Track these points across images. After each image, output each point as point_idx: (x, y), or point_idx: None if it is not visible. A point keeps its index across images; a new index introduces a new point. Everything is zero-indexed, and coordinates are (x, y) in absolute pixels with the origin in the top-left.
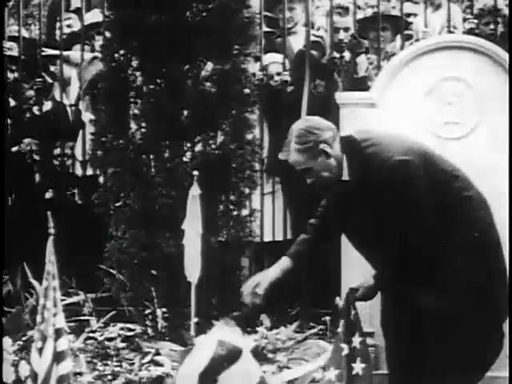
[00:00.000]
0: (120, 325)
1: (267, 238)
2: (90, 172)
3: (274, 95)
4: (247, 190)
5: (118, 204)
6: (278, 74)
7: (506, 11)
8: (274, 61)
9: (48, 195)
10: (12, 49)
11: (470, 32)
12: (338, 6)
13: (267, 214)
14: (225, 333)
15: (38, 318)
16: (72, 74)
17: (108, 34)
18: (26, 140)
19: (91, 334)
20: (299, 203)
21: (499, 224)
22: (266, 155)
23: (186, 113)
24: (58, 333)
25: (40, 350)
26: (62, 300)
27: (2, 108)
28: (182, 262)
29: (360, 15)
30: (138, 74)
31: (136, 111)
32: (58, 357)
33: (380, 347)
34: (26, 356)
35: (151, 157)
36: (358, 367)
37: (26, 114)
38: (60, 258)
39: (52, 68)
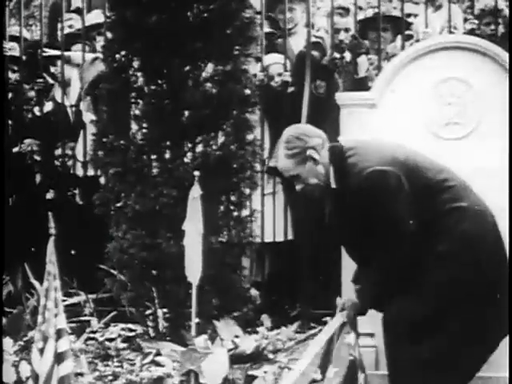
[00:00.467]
0: (121, 325)
1: (268, 238)
2: (90, 172)
3: (275, 96)
4: (248, 191)
5: (118, 204)
6: (279, 74)
7: (507, 12)
8: (274, 61)
9: (49, 196)
10: (13, 49)
11: (470, 32)
12: (339, 6)
13: (268, 214)
14: None
15: (39, 319)
16: (73, 74)
17: (109, 35)
18: (27, 141)
19: (92, 335)
20: (300, 204)
21: (500, 230)
22: (267, 156)
23: (186, 113)
24: (59, 333)
25: (41, 351)
26: (63, 300)
27: (2, 108)
28: (183, 263)
29: (360, 16)
30: (139, 74)
31: (137, 112)
32: (59, 357)
33: (380, 348)
34: (27, 356)
35: (152, 157)
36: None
37: (27, 115)
38: (61, 258)
39: (53, 69)
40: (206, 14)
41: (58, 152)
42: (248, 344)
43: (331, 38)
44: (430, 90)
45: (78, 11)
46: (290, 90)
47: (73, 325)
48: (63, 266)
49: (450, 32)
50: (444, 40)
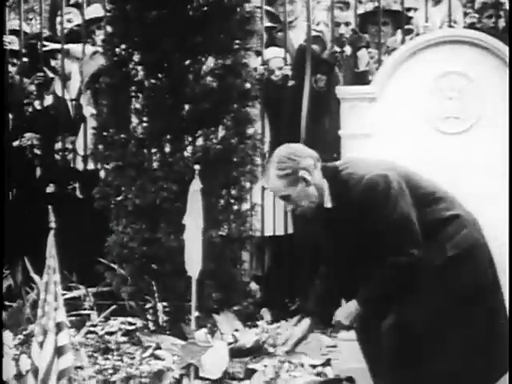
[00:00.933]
0: (121, 319)
1: (268, 232)
2: (91, 166)
3: (275, 90)
4: (248, 184)
5: (118, 198)
6: (279, 68)
7: (507, 5)
8: (274, 55)
9: (49, 189)
10: (13, 43)
11: (470, 26)
12: (339, 0)
13: (268, 208)
14: None
15: (39, 313)
16: (73, 68)
17: (109, 29)
18: (27, 134)
19: (92, 328)
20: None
21: (499, 224)
22: (267, 149)
23: (187, 107)
24: (59, 327)
25: (41, 344)
26: (63, 294)
27: (2, 102)
28: (183, 257)
29: (361, 10)
30: (139, 68)
31: (137, 105)
32: (59, 351)
33: None
34: (27, 350)
35: (152, 151)
36: None
37: (27, 109)
38: (61, 252)
39: (53, 62)
40: (205, 8)
41: (59, 146)
42: (248, 338)
43: (331, 31)
44: (430, 84)
45: (78, 5)
46: (291, 83)
47: (73, 318)
48: (63, 259)
49: (450, 26)
50: (444, 34)
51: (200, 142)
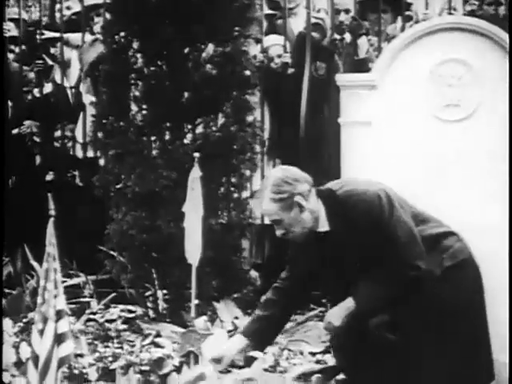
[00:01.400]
0: (121, 307)
1: (268, 220)
2: (90, 154)
3: (275, 77)
4: (248, 172)
5: (118, 186)
6: (279, 56)
7: None
8: (274, 43)
9: (48, 177)
10: (12, 30)
11: (470, 13)
12: None
13: None
14: None
15: (39, 300)
16: (72, 55)
17: (108, 16)
18: (27, 122)
19: (92, 316)
20: None
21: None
22: (267, 137)
23: (186, 95)
24: (59, 314)
25: (41, 332)
26: (63, 282)
27: (2, 90)
28: (183, 244)
29: None
30: (138, 55)
31: (137, 93)
32: (59, 338)
33: None
34: (27, 338)
35: (152, 139)
36: None
37: (27, 96)
38: (60, 239)
39: (52, 50)
40: None
41: (58, 134)
42: None
43: (331, 19)
44: (430, 71)
45: None
46: (290, 71)
47: (73, 306)
48: (63, 247)
49: (450, 13)
50: (444, 21)
51: (200, 129)
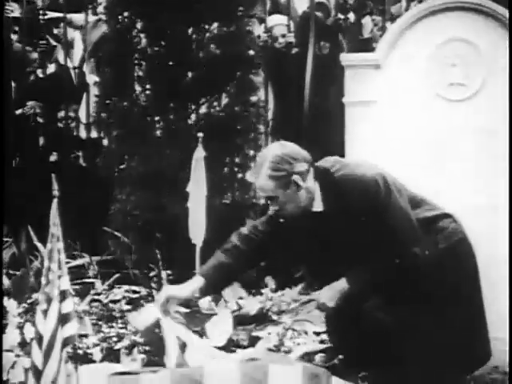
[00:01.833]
0: (125, 287)
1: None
2: (94, 134)
3: (279, 57)
4: (252, 152)
5: (122, 166)
6: (283, 35)
7: None
8: (278, 23)
9: (52, 158)
10: (15, 10)
11: None
12: None
13: None
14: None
15: (43, 281)
16: (76, 36)
17: None
18: (30, 103)
19: (96, 297)
20: None
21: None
22: (271, 117)
23: (190, 75)
24: (63, 295)
25: (45, 312)
26: (67, 263)
27: (3, 71)
28: (187, 225)
29: None
30: (142, 35)
31: (140, 73)
32: (63, 319)
33: None
34: (31, 318)
35: (156, 119)
36: None
37: (30, 77)
38: (64, 220)
39: (56, 30)
40: None
41: (62, 114)
42: (252, 305)
43: None
44: (434, 50)
45: None
46: (294, 51)
47: (77, 287)
48: (67, 228)
49: None
50: (448, 0)
51: (203, 109)
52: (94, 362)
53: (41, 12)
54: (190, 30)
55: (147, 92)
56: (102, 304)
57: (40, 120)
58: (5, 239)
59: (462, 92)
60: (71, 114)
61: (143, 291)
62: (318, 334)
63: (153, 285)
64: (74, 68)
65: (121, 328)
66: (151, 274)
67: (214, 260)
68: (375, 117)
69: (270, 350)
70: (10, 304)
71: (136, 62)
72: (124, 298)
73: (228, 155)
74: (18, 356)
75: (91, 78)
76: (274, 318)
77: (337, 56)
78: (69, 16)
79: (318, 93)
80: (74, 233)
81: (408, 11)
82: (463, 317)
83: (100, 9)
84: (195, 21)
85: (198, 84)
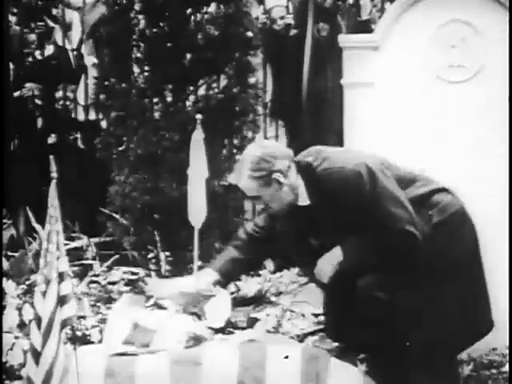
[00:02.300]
0: (123, 269)
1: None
2: (92, 116)
3: (277, 39)
4: (250, 134)
5: (120, 148)
6: (281, 17)
7: None
8: (277, 4)
9: (50, 140)
10: None
11: None
12: None
13: None
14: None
15: (41, 262)
16: (74, 17)
17: None
18: (28, 84)
19: (94, 278)
20: (302, 147)
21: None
22: (270, 99)
23: (188, 56)
24: (62, 276)
25: (43, 294)
26: (65, 244)
27: (2, 52)
28: (186, 206)
29: None
30: (140, 17)
31: (139, 55)
32: (62, 300)
33: None
34: (30, 299)
35: (154, 101)
36: None
37: (28, 59)
38: (63, 202)
39: (54, 11)
40: None
41: (60, 96)
42: (250, 287)
43: None
44: (433, 32)
45: None
46: (293, 32)
47: (75, 268)
48: (65, 209)
49: None
50: None
51: (202, 91)
52: (92, 343)
53: None
54: (188, 11)
55: (145, 73)
56: (100, 285)
57: (38, 102)
58: (3, 221)
59: (462, 74)
60: (69, 96)
61: (142, 273)
62: (316, 315)
63: (151, 266)
64: (73, 50)
65: None
66: (150, 256)
67: (226, 255)
68: (373, 98)
69: (268, 331)
70: (9, 285)
71: (134, 43)
72: (122, 279)
73: (226, 137)
74: (16, 337)
75: (89, 60)
76: (273, 299)
77: (335, 37)
78: None
79: (317, 74)
80: (73, 214)
81: None
82: (463, 290)
83: None
84: (194, 2)
85: (197, 65)
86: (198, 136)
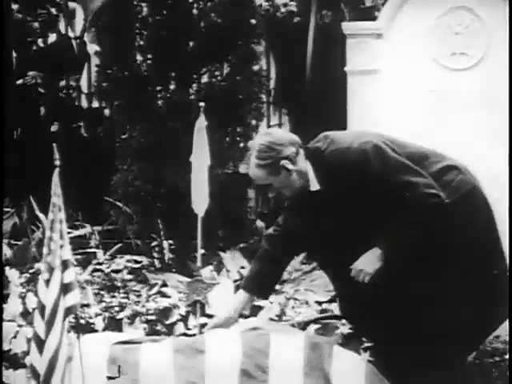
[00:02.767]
0: (127, 257)
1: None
2: (95, 104)
3: (281, 26)
4: (254, 122)
5: (123, 136)
6: (285, 5)
7: None
8: None
9: (53, 128)
10: None
11: None
12: None
13: None
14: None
15: (45, 250)
16: (76, 5)
17: None
18: (31, 73)
19: (98, 266)
20: (306, 135)
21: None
22: (273, 86)
23: (191, 44)
24: (65, 264)
25: (47, 282)
26: (69, 233)
27: (3, 40)
28: (189, 195)
29: None
30: (143, 5)
31: (142, 43)
32: (65, 288)
33: None
34: (33, 288)
35: (157, 89)
36: None
37: (31, 47)
38: (66, 190)
39: (56, 0)
40: None
41: (63, 84)
42: None
43: None
44: (436, 19)
45: None
46: (296, 20)
47: (79, 257)
48: (68, 198)
49: None
50: None
51: (205, 79)
52: (96, 331)
53: None
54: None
55: (148, 62)
56: (103, 274)
57: (41, 90)
58: (7, 209)
59: (464, 61)
60: (72, 84)
61: (145, 261)
62: (320, 303)
63: (155, 254)
64: (76, 38)
65: (123, 298)
66: (153, 244)
67: (251, 271)
68: (377, 85)
69: (271, 319)
70: (12, 274)
71: (137, 31)
72: (126, 267)
73: (230, 125)
74: (20, 326)
75: (92, 48)
76: (276, 287)
77: (338, 25)
78: None
79: (320, 62)
80: (76, 203)
81: None
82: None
83: None
84: None
85: (200, 53)
86: (201, 124)
